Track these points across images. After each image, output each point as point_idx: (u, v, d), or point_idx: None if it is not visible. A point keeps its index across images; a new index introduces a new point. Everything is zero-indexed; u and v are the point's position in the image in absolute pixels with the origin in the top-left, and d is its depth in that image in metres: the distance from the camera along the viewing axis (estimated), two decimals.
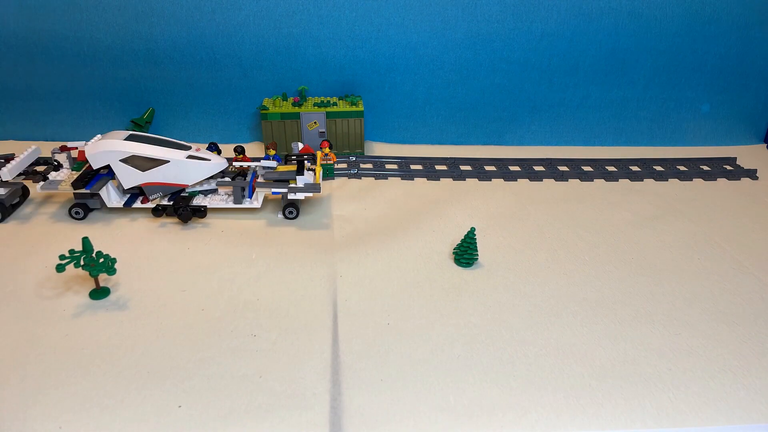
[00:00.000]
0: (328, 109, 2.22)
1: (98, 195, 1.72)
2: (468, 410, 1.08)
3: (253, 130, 2.43)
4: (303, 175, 1.77)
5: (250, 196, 1.80)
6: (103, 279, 1.43)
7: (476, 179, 2.14)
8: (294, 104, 2.24)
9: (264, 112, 2.21)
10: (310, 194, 1.75)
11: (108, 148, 1.67)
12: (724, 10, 2.30)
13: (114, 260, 1.35)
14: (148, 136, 1.77)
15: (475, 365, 1.19)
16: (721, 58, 2.40)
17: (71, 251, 1.31)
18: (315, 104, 2.24)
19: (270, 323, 1.30)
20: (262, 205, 1.82)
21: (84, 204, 1.73)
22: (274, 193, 1.74)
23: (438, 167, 2.21)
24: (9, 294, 1.38)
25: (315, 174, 1.80)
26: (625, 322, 1.34)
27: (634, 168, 2.28)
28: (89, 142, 1.75)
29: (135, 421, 1.03)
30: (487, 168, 2.23)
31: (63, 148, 1.82)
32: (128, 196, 1.77)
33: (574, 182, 2.15)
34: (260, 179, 1.80)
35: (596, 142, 2.52)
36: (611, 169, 2.26)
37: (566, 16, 2.27)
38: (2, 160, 1.82)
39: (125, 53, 2.24)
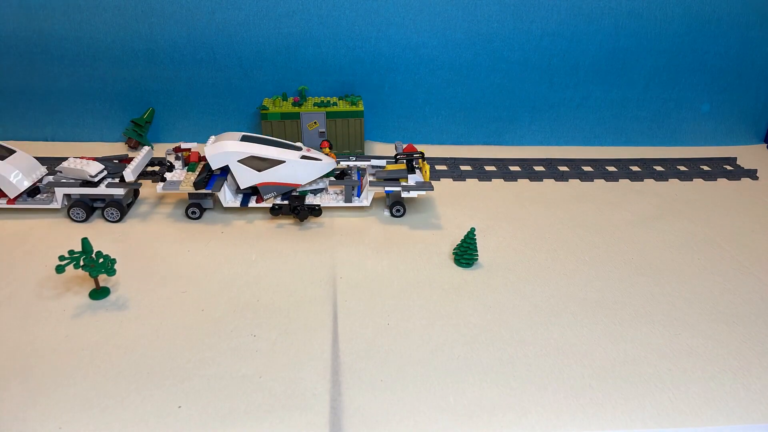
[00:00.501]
0: (328, 109, 2.22)
1: (211, 195, 1.76)
2: (468, 410, 1.08)
3: (253, 130, 2.43)
4: (414, 173, 1.79)
5: (359, 195, 1.82)
6: (103, 279, 1.43)
7: (476, 179, 2.14)
8: (294, 104, 2.24)
9: (264, 112, 2.21)
10: (423, 192, 1.77)
11: (228, 149, 1.71)
12: (724, 10, 2.30)
13: (114, 261, 1.35)
14: (259, 137, 1.80)
15: (475, 365, 1.19)
16: (721, 58, 2.40)
17: (71, 252, 1.31)
18: (315, 104, 2.24)
19: (270, 324, 1.30)
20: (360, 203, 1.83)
21: (198, 204, 1.76)
22: (386, 191, 1.76)
23: (438, 167, 2.21)
24: (9, 294, 1.38)
25: (423, 172, 1.81)
26: (625, 323, 1.34)
27: (634, 168, 2.28)
28: (207, 144, 1.78)
29: (135, 421, 1.03)
30: (487, 168, 2.23)
31: (177, 149, 1.86)
32: (242, 195, 1.80)
33: (574, 182, 2.15)
34: (371, 178, 1.82)
35: (596, 142, 2.52)
36: (611, 169, 2.26)
37: (566, 16, 2.27)
38: (116, 161, 1.86)
39: (125, 53, 2.25)
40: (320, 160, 1.78)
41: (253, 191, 1.80)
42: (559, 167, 2.26)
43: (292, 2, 2.19)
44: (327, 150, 1.95)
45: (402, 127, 2.46)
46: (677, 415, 1.08)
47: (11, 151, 1.75)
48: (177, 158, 1.84)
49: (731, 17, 2.31)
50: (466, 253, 1.53)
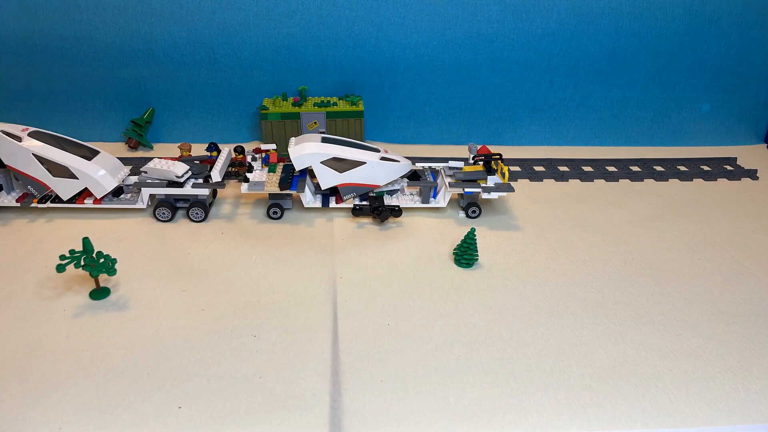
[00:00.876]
0: (328, 109, 2.22)
1: (290, 195, 1.80)
2: (468, 411, 1.08)
3: (252, 130, 2.43)
4: (494, 174, 1.79)
5: (435, 196, 1.83)
6: (104, 279, 1.43)
7: None
8: (294, 104, 2.24)
9: (264, 112, 2.21)
10: (504, 194, 1.77)
11: (313, 151, 1.73)
12: (725, 10, 2.30)
13: (114, 260, 1.35)
14: (337, 138, 1.83)
15: (476, 366, 1.19)
16: (721, 57, 2.40)
17: (71, 251, 1.31)
18: (315, 104, 2.24)
19: (270, 324, 1.30)
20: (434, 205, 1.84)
21: (279, 204, 1.78)
22: (466, 193, 1.77)
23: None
24: (10, 294, 1.38)
25: (502, 174, 1.80)
26: (625, 323, 1.34)
27: (634, 168, 2.28)
28: (290, 146, 1.80)
29: (135, 422, 1.03)
30: None
31: (257, 150, 1.89)
32: (320, 196, 1.83)
33: (574, 182, 2.15)
34: (449, 179, 1.82)
35: (596, 142, 2.52)
36: (611, 169, 2.26)
37: (566, 16, 2.27)
38: (197, 162, 1.89)
39: (125, 53, 2.25)
40: (398, 161, 1.81)
41: (331, 192, 1.83)
42: (559, 167, 2.26)
43: (292, 2, 2.19)
44: None
45: (402, 127, 2.46)
46: (677, 416, 1.08)
47: (95, 152, 1.78)
48: (254, 159, 1.88)
49: (731, 17, 2.31)
50: (466, 254, 1.53)
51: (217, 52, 2.26)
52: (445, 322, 1.32)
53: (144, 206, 1.76)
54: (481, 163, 1.85)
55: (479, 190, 1.77)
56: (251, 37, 2.25)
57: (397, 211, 1.75)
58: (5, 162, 1.70)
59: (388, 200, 1.82)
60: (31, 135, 1.70)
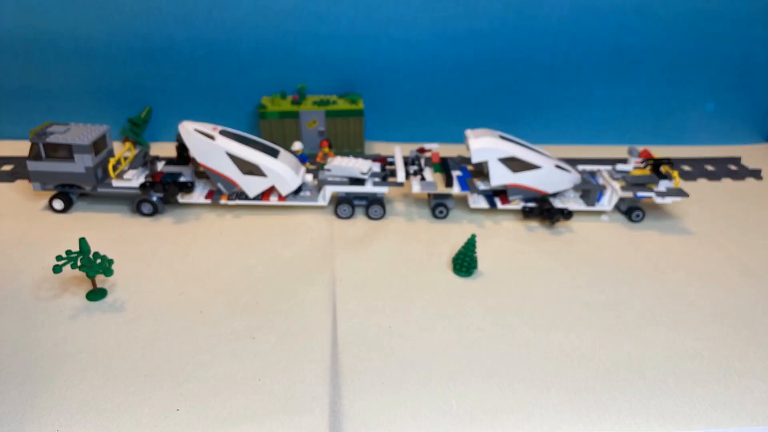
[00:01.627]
0: (328, 108, 2.20)
1: (451, 195, 1.83)
2: (470, 414, 1.06)
3: (251, 130, 2.42)
4: (665, 179, 1.77)
5: (599, 200, 1.81)
6: (101, 280, 1.41)
7: None
8: (293, 103, 2.23)
9: (263, 110, 2.19)
10: (678, 199, 1.75)
11: (494, 146, 1.73)
12: (729, 9, 2.28)
13: (111, 261, 1.34)
14: (512, 139, 1.83)
15: (478, 368, 1.17)
16: (725, 56, 2.38)
17: (68, 252, 1.30)
18: (314, 103, 2.23)
19: (269, 326, 1.28)
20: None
21: (444, 203, 1.79)
22: (637, 197, 1.75)
23: None
24: (6, 295, 1.36)
25: (672, 179, 1.79)
26: (628, 325, 1.32)
27: None
28: (468, 138, 1.78)
29: (132, 424, 1.02)
30: None
31: (420, 150, 1.93)
32: (483, 197, 1.83)
33: None
34: (617, 183, 1.80)
35: (599, 140, 2.51)
36: None
37: (569, 14, 2.25)
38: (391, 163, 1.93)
39: (122, 51, 2.23)
40: (569, 171, 1.79)
41: (494, 192, 1.82)
42: None
43: None
44: (327, 149, 1.94)
45: (403, 125, 2.44)
46: (682, 418, 1.07)
47: (277, 151, 1.81)
48: (416, 158, 1.91)
49: (736, 15, 2.30)
50: (464, 263, 1.49)
51: (214, 50, 2.25)
52: (446, 324, 1.31)
53: (325, 203, 1.80)
54: (649, 167, 1.82)
55: (652, 194, 1.74)
56: (249, 35, 2.23)
57: (567, 214, 1.73)
58: (199, 160, 1.73)
59: (556, 202, 1.80)
60: (221, 134, 1.74)
